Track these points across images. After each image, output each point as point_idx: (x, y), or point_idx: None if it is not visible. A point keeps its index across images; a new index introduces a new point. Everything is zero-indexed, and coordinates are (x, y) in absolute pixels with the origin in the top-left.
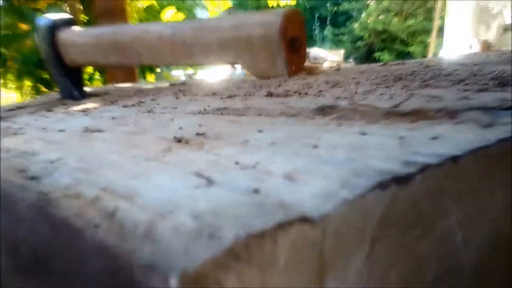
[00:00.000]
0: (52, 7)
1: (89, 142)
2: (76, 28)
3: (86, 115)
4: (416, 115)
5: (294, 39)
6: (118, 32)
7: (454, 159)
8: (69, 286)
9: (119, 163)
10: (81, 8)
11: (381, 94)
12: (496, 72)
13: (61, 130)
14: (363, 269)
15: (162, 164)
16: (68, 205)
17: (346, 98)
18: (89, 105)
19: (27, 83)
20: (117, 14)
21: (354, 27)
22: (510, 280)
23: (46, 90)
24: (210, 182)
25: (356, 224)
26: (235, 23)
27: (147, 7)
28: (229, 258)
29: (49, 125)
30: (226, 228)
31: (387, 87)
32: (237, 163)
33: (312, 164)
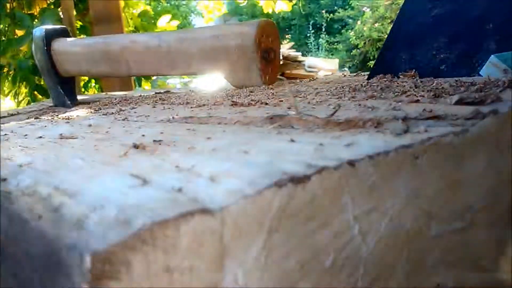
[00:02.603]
0: (46, 13)
1: (59, 148)
2: (69, 38)
3: (67, 123)
4: (348, 124)
5: (269, 49)
6: (108, 42)
7: (351, 163)
8: (20, 268)
9: (78, 166)
10: (76, 13)
11: (329, 105)
12: (434, 84)
13: (39, 137)
14: (261, 255)
15: (113, 167)
16: (23, 202)
17: (295, 108)
18: (74, 113)
19: (23, 90)
20: (112, 20)
21: (350, 35)
22: (410, 270)
23: (41, 97)
24: (145, 182)
25: (254, 216)
26: (215, 34)
27: (141, 12)
28: (136, 241)
29: (31, 132)
30: (139, 218)
31: (338, 98)
32: (177, 166)
33: (236, 167)
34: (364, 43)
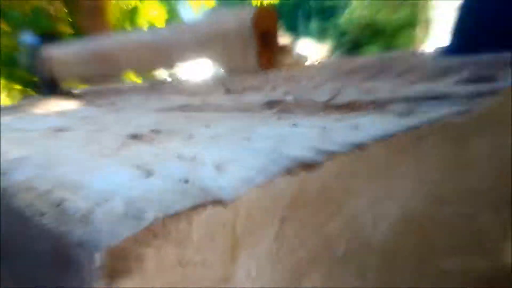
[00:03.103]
0: (36, 9)
1: (54, 141)
2: (60, 43)
3: (60, 115)
4: (350, 107)
5: (266, 33)
6: (99, 44)
7: (361, 146)
8: (23, 266)
9: (75, 159)
10: (66, 10)
11: (325, 89)
12: (445, 62)
13: (33, 130)
14: (273, 246)
15: (113, 159)
16: (22, 198)
17: (292, 93)
18: (66, 106)
19: (16, 86)
20: (101, 16)
21: (340, 21)
22: (421, 256)
23: (34, 92)
24: (149, 173)
25: (267, 206)
26: (210, 21)
27: (131, 9)
28: (148, 236)
29: (24, 125)
30: (149, 211)
31: (335, 81)
32: (179, 155)
33: (240, 154)
34: (355, 28)
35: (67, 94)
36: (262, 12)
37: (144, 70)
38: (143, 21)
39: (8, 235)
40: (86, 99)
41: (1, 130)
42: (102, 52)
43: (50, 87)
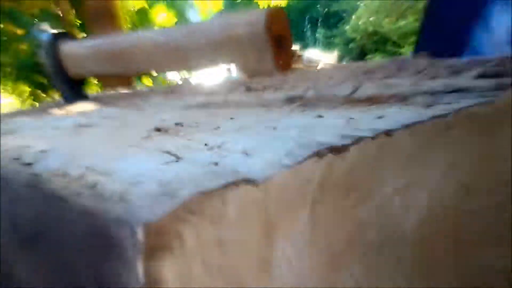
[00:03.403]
0: (44, 12)
1: (78, 135)
2: (76, 41)
3: (80, 115)
4: (372, 100)
5: (280, 36)
6: (115, 42)
7: (387, 132)
8: (60, 248)
9: (102, 149)
10: (74, 11)
11: (346, 86)
12: (449, 62)
13: (55, 128)
14: (307, 228)
15: (139, 148)
16: (56, 183)
17: (313, 89)
18: (84, 107)
19: (25, 88)
20: (109, 17)
21: (346, 28)
22: (451, 248)
23: (44, 95)
24: (178, 158)
25: (297, 187)
26: (223, 24)
27: (138, 10)
28: (185, 212)
29: (44, 123)
30: (183, 190)
31: (353, 79)
32: (205, 144)
33: (268, 141)
34: (361, 36)
35: (87, 98)
36: (273, 14)
37: (160, 70)
38: (151, 24)
39: (43, 221)
40: (106, 102)
41: (19, 126)
42: (118, 50)
43: (69, 90)
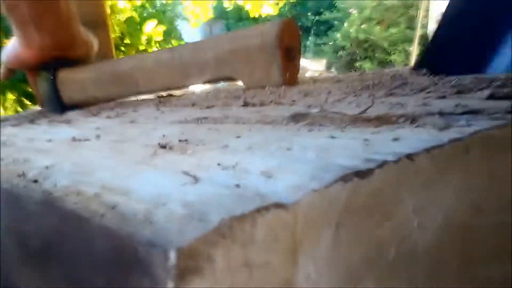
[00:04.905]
0: None
1: (77, 150)
2: (73, 67)
3: (70, 126)
4: (380, 120)
5: (290, 48)
6: (115, 64)
7: (409, 156)
8: (77, 268)
9: (109, 166)
10: None
11: (349, 102)
12: (456, 80)
13: (48, 140)
14: (330, 249)
15: (150, 166)
16: (71, 201)
17: (317, 106)
18: (72, 117)
19: (10, 96)
20: (98, 26)
21: (336, 36)
22: (462, 263)
23: (29, 103)
24: (196, 179)
25: (323, 210)
26: (232, 37)
27: (127, 19)
28: (217, 237)
29: (36, 135)
30: (213, 214)
31: (355, 96)
32: (219, 164)
33: (285, 163)
34: (351, 44)
35: (70, 107)
36: (286, 26)
37: (162, 90)
38: (140, 33)
39: (57, 237)
40: (95, 112)
41: (12, 140)
42: (118, 74)
43: (55, 102)
